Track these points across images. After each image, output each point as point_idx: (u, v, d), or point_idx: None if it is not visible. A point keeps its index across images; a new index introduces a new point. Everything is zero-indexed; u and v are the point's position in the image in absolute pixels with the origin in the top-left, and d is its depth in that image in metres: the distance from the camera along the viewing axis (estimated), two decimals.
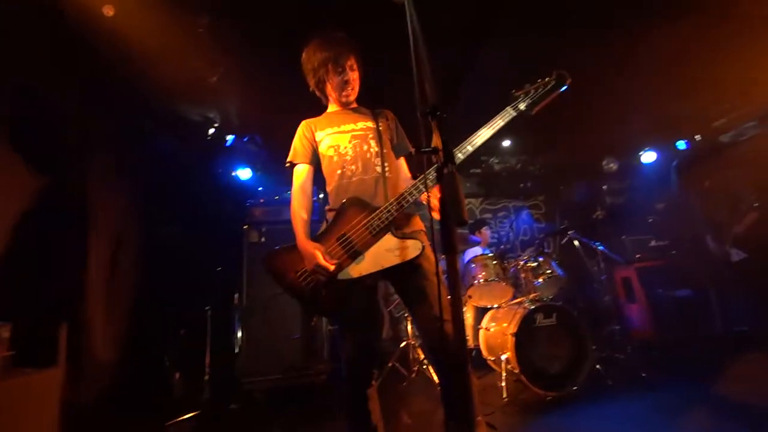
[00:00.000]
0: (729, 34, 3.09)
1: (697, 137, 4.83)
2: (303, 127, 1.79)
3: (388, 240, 1.55)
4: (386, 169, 1.67)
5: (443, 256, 0.70)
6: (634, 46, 3.28)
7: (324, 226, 1.68)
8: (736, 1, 2.79)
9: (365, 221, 1.54)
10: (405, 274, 1.57)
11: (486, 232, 4.58)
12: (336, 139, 1.72)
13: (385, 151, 1.70)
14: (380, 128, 1.73)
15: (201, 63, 3.13)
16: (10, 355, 1.82)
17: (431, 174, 1.34)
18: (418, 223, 1.69)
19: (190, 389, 3.31)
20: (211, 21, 2.77)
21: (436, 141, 0.79)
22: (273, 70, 3.31)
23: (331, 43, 1.70)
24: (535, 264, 3.37)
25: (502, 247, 4.54)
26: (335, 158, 1.70)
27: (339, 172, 1.68)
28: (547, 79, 1.56)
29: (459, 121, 3.93)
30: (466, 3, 2.73)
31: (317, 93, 1.83)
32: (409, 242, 1.54)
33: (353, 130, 1.73)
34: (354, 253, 1.54)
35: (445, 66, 3.29)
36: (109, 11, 2.48)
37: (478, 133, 1.50)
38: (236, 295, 3.57)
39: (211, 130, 4.05)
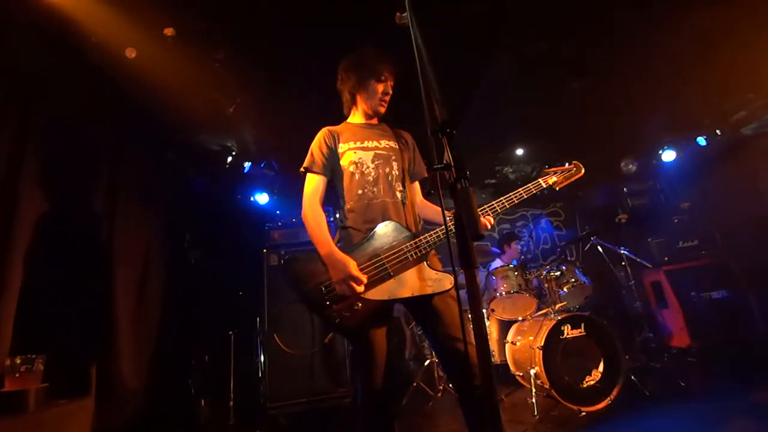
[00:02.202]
0: (741, 25, 3.03)
1: (718, 132, 4.68)
2: (325, 135, 1.74)
3: (423, 269, 1.56)
4: (405, 194, 1.68)
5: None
6: (647, 44, 3.25)
7: (336, 239, 1.65)
8: None
9: (402, 246, 1.54)
10: (427, 301, 1.55)
11: (516, 246, 4.36)
12: (359, 155, 1.69)
13: (404, 174, 1.72)
14: (402, 150, 1.75)
15: (218, 95, 3.27)
16: (45, 387, 1.87)
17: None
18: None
19: (215, 415, 3.32)
20: (226, 55, 2.90)
21: (448, 157, 0.80)
22: (286, 96, 3.43)
23: (383, 54, 1.76)
24: (558, 273, 3.29)
25: (522, 257, 4.44)
26: (357, 176, 1.67)
27: (360, 192, 1.66)
28: (570, 166, 1.92)
29: (472, 127, 4.02)
30: (478, 6, 2.75)
31: (346, 96, 1.82)
32: (443, 275, 1.56)
33: (377, 149, 1.71)
34: (385, 276, 1.52)
35: (457, 72, 3.30)
36: (131, 53, 2.64)
37: (510, 197, 1.70)
38: (258, 319, 3.60)
39: (230, 158, 4.18)
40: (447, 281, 1.54)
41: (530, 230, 5.90)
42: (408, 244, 1.55)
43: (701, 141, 4.75)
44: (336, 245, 1.57)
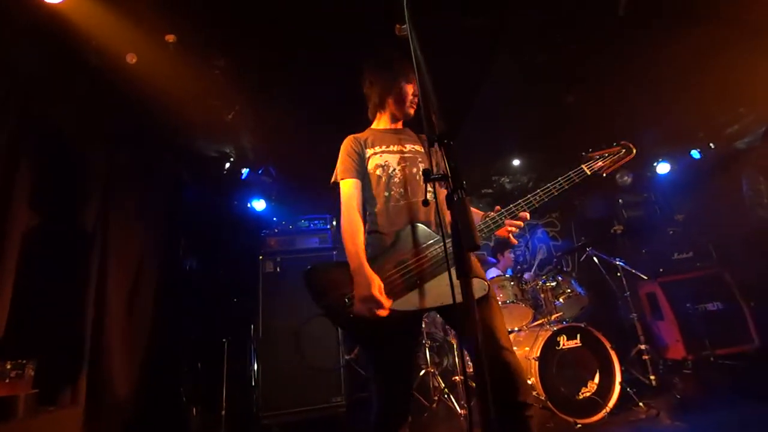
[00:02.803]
0: (735, 42, 3.11)
1: (712, 145, 4.75)
2: (351, 142, 1.70)
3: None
4: (435, 195, 1.56)
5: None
6: (643, 59, 3.31)
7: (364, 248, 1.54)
8: (740, 11, 2.81)
9: (429, 251, 1.45)
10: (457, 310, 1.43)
11: (510, 255, 4.42)
12: (385, 158, 1.65)
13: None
14: (427, 154, 1.68)
15: (217, 102, 3.29)
16: (34, 393, 1.84)
17: (511, 210, 1.50)
18: (477, 264, 1.57)
19: (206, 424, 3.27)
20: (227, 63, 2.92)
21: (445, 168, 0.81)
22: (285, 103, 3.46)
23: (406, 55, 1.73)
24: (554, 284, 3.30)
25: (518, 267, 4.45)
26: (383, 178, 1.61)
27: (386, 194, 1.59)
28: (618, 147, 1.68)
29: (469, 137, 4.06)
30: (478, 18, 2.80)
31: (374, 100, 1.77)
32: (476, 281, 1.41)
33: (402, 152, 1.68)
34: (412, 284, 1.42)
35: (456, 83, 3.34)
36: (132, 59, 2.66)
37: (548, 188, 1.55)
38: (252, 326, 3.57)
39: (227, 164, 4.19)
40: (479, 289, 1.42)
41: (526, 240, 5.92)
42: (436, 248, 1.47)
43: (695, 154, 4.81)
44: (366, 251, 1.49)
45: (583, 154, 1.65)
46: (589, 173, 1.61)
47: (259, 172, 4.37)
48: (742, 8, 2.79)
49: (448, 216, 1.54)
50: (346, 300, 1.41)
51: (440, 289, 1.42)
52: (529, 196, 1.53)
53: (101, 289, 2.70)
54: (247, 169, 4.30)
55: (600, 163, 1.63)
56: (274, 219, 4.24)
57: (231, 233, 4.20)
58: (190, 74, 2.88)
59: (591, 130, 4.29)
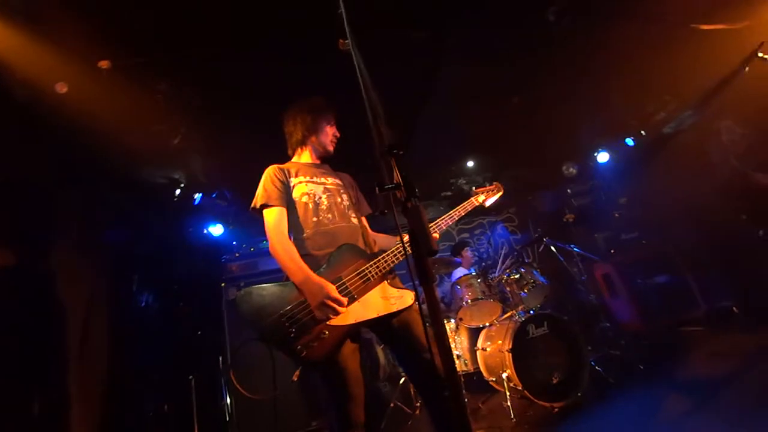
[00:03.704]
0: (657, 36, 3.43)
1: (643, 132, 5.18)
2: (275, 171, 1.77)
3: (385, 288, 1.58)
4: (359, 219, 1.74)
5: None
6: (576, 60, 3.57)
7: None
8: (658, 8, 3.10)
9: (363, 268, 1.56)
10: (391, 319, 1.57)
11: (468, 253, 4.60)
12: (311, 188, 1.75)
13: (353, 206, 1.79)
14: (346, 187, 1.86)
15: (162, 127, 3.14)
16: None
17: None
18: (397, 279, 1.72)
19: None
20: (168, 86, 2.81)
21: (397, 177, 0.82)
22: (234, 125, 3.36)
23: (331, 104, 1.94)
24: (517, 276, 3.42)
25: (483, 264, 4.59)
26: (310, 205, 1.70)
27: (315, 219, 1.68)
28: (492, 186, 2.22)
29: (424, 143, 4.15)
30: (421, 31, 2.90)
31: (296, 137, 1.90)
32: (405, 292, 1.59)
33: (324, 184, 1.79)
34: (350, 300, 1.50)
35: (405, 93, 3.42)
36: (62, 88, 2.48)
37: (451, 214, 1.88)
38: (221, 358, 3.39)
39: (177, 191, 3.99)
40: (409, 297, 1.58)
41: (488, 237, 6.12)
42: (368, 265, 1.57)
43: (629, 141, 5.23)
44: None
45: (473, 189, 2.18)
46: (477, 204, 2.10)
47: (213, 196, 4.20)
48: (659, 6, 3.08)
49: (369, 238, 1.71)
50: (285, 321, 1.43)
51: (377, 302, 1.54)
52: (438, 219, 1.83)
53: (49, 335, 2.48)
54: (200, 194, 4.11)
55: (482, 197, 2.14)
56: (234, 243, 4.10)
57: (188, 262, 3.99)
58: (129, 100, 2.73)
59: (535, 129, 4.56)
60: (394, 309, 1.54)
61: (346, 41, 1.22)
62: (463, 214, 1.94)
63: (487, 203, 2.18)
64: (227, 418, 3.28)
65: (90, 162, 3.07)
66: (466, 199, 2.04)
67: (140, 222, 3.66)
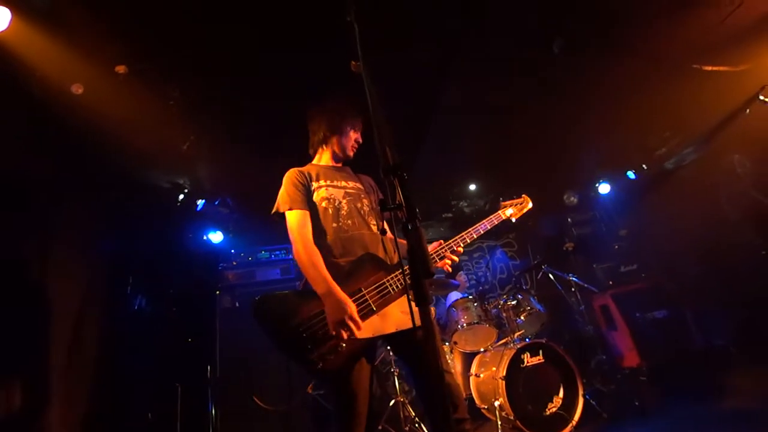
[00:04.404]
0: (658, 74, 3.52)
1: (644, 166, 5.23)
2: (296, 174, 1.73)
3: (404, 302, 1.51)
4: (381, 226, 1.69)
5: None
6: (580, 91, 3.64)
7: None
8: (661, 47, 3.19)
9: (383, 281, 1.52)
10: (410, 335, 1.51)
11: (462, 277, 4.53)
12: (331, 192, 1.71)
13: (375, 210, 1.75)
14: (367, 191, 1.82)
15: (172, 132, 3.19)
16: None
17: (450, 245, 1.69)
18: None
19: None
20: (181, 93, 2.86)
21: (399, 198, 0.84)
22: (244, 133, 3.42)
23: (356, 107, 1.87)
24: (514, 302, 3.40)
25: (480, 288, 4.56)
26: (330, 210, 1.67)
27: (335, 225, 1.65)
28: (520, 198, 2.10)
29: (427, 164, 4.20)
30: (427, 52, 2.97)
31: (318, 136, 1.86)
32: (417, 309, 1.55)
33: (345, 188, 1.76)
34: (369, 312, 1.46)
35: (410, 114, 3.48)
36: (78, 89, 2.54)
37: (477, 228, 1.82)
38: (209, 368, 3.33)
39: (181, 196, 4.02)
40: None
41: (487, 261, 6.10)
42: (389, 277, 1.53)
43: (631, 174, 5.28)
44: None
45: (501, 199, 2.06)
46: (504, 218, 1.99)
47: (216, 203, 4.22)
48: (663, 45, 3.17)
49: (391, 247, 1.66)
50: (302, 331, 1.39)
51: (396, 316, 1.50)
52: (463, 233, 1.76)
53: (39, 334, 2.45)
54: (203, 201, 4.14)
55: (511, 210, 2.02)
56: (232, 251, 4.09)
57: (185, 268, 3.97)
58: (143, 104, 2.79)
59: (538, 156, 4.62)
60: (412, 324, 1.51)
61: (358, 63, 1.25)
62: (489, 227, 1.86)
63: (515, 218, 2.04)
64: (211, 429, 3.20)
65: (97, 162, 3.11)
66: (467, 222, 1.99)
67: (140, 224, 3.67)
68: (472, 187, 5.48)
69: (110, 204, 3.45)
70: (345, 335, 1.37)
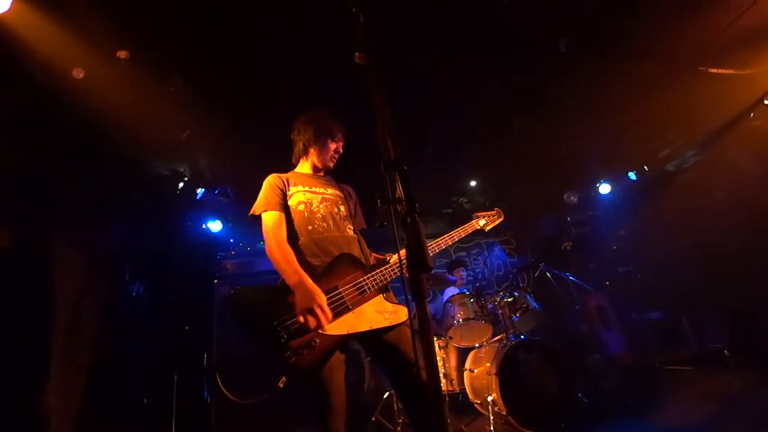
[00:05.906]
0: (664, 76, 3.50)
1: (646, 167, 5.23)
2: (274, 179, 1.80)
3: (380, 302, 1.57)
4: (355, 231, 1.75)
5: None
6: (583, 91, 3.63)
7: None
8: (667, 50, 3.17)
9: (360, 279, 1.55)
10: (382, 334, 1.56)
11: (462, 273, 4.53)
12: (308, 197, 1.76)
13: (351, 217, 1.80)
14: (346, 199, 1.87)
15: (173, 120, 3.17)
16: None
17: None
18: (391, 294, 1.72)
19: None
20: (183, 81, 2.85)
21: (399, 192, 0.84)
22: (244, 125, 3.40)
23: (336, 118, 1.92)
24: (511, 299, 3.41)
25: (477, 284, 4.57)
26: (306, 214, 1.71)
27: (310, 227, 1.69)
28: (494, 211, 2.22)
29: (429, 159, 4.20)
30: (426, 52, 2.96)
31: (299, 146, 1.90)
32: (399, 307, 1.59)
33: (323, 194, 1.80)
34: (344, 310, 1.50)
35: (414, 109, 3.47)
36: (78, 74, 2.52)
37: (451, 235, 1.91)
38: (206, 356, 3.36)
39: (181, 184, 4.01)
40: (402, 313, 1.57)
41: (485, 258, 6.12)
42: (366, 277, 1.57)
43: (632, 175, 5.27)
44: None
45: (473, 214, 2.20)
46: (477, 227, 2.13)
47: (216, 192, 4.22)
48: (669, 47, 3.15)
49: (365, 250, 1.72)
50: (276, 324, 1.42)
51: (371, 315, 1.53)
52: (438, 239, 1.85)
53: (39, 318, 2.47)
54: (203, 189, 4.14)
55: (483, 221, 2.17)
56: (231, 241, 4.10)
57: (184, 256, 3.98)
58: (144, 91, 2.78)
59: (540, 155, 4.60)
60: (387, 323, 1.54)
61: (362, 54, 1.24)
62: (463, 235, 1.96)
63: (487, 228, 2.20)
64: (206, 417, 3.24)
65: (98, 149, 3.10)
66: (466, 218, 2.04)
67: (140, 212, 3.67)
68: (473, 183, 5.47)
69: (109, 191, 3.45)
70: (313, 324, 1.39)
